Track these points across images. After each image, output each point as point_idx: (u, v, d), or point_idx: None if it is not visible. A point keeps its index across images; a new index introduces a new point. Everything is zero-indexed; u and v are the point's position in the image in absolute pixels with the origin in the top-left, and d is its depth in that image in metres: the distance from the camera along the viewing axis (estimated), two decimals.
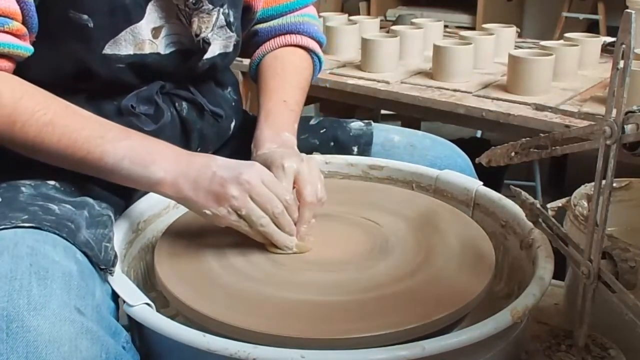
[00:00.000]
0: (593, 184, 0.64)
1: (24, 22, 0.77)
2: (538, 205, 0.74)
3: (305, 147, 1.05)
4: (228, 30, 0.95)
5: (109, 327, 0.66)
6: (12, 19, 0.75)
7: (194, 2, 0.87)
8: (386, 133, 1.10)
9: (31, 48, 0.79)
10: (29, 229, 0.69)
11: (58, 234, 0.70)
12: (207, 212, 0.75)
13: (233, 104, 1.06)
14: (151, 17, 0.86)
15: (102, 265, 0.71)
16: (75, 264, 0.68)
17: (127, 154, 0.76)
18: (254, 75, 1.09)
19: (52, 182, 0.82)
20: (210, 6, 0.89)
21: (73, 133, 0.75)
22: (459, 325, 0.71)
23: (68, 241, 0.70)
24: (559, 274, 0.78)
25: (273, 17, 1.09)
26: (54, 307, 0.61)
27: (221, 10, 0.92)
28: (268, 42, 1.08)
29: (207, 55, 0.93)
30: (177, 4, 0.87)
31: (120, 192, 0.87)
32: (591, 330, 0.70)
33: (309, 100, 1.16)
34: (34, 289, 0.61)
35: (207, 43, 0.91)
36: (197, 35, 0.89)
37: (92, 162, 0.76)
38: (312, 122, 1.11)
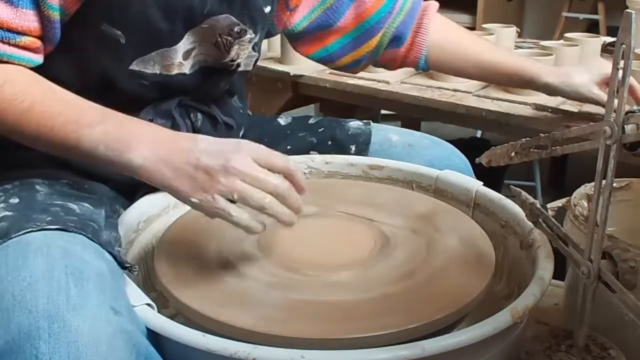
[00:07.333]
0: (593, 184, 0.64)
1: (43, 36, 0.77)
2: (538, 205, 0.74)
3: (303, 146, 1.05)
4: (252, 51, 0.95)
5: (140, 325, 0.65)
6: (23, 34, 0.74)
7: (238, 31, 0.87)
8: (384, 132, 1.10)
9: (39, 60, 0.78)
10: (55, 231, 0.69)
11: (84, 235, 0.70)
12: (194, 200, 0.71)
13: (241, 111, 1.05)
14: (187, 41, 0.85)
15: (126, 264, 0.72)
16: (105, 263, 0.68)
17: (103, 139, 0.72)
18: (432, 63, 1.14)
19: (64, 180, 0.82)
20: (253, 35, 0.89)
21: (49, 119, 0.73)
22: (459, 325, 0.71)
23: (94, 241, 0.70)
24: (559, 274, 0.78)
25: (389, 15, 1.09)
26: (92, 307, 0.61)
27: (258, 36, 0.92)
28: (417, 32, 1.12)
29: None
30: (220, 32, 0.86)
31: (124, 192, 0.87)
32: (591, 330, 0.70)
33: (309, 100, 1.16)
34: (71, 290, 0.61)
35: (237, 65, 0.92)
36: (233, 61, 0.90)
37: (70, 149, 0.73)
38: (311, 121, 1.11)
